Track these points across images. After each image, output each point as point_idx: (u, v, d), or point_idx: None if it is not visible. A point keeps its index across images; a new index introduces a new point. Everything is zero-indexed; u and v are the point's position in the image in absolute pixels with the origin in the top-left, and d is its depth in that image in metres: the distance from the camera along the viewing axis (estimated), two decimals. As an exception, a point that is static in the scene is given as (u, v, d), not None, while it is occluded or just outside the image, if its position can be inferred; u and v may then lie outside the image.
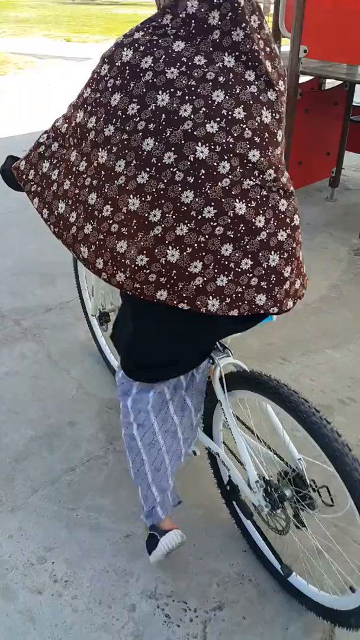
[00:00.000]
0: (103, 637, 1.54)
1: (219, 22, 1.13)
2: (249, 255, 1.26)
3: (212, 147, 1.16)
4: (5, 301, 3.09)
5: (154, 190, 1.18)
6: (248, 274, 1.27)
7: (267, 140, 1.21)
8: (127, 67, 1.15)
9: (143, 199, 1.20)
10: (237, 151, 1.18)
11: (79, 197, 1.30)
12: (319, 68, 3.97)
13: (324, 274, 3.48)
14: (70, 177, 1.32)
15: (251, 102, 1.17)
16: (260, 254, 1.26)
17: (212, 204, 1.19)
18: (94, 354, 2.67)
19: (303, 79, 3.83)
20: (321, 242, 3.90)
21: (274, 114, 1.21)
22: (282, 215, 1.27)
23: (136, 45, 1.14)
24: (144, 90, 1.14)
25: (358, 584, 1.46)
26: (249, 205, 1.22)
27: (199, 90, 1.13)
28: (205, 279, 1.25)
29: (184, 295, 1.26)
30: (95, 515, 1.89)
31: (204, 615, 1.59)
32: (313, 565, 1.66)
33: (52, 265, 3.47)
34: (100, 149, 1.22)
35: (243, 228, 1.23)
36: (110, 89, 1.17)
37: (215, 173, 1.18)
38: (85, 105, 1.24)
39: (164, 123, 1.13)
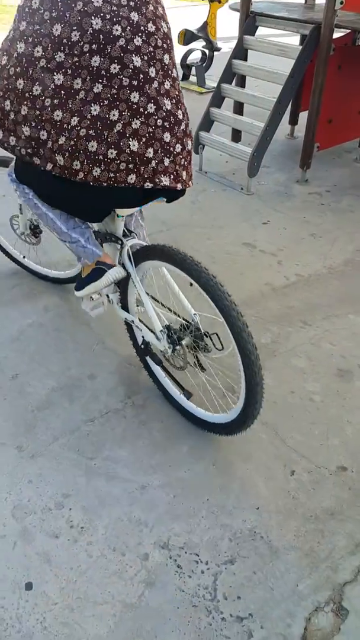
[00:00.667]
0: (116, 582, 1.55)
1: None
2: (181, 140, 1.61)
3: (142, 56, 1.46)
4: (32, 254, 3.03)
5: (109, 95, 1.44)
6: (180, 156, 1.62)
7: (170, 45, 1.56)
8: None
9: (102, 104, 1.45)
10: (157, 57, 1.50)
11: (42, 117, 1.48)
12: (356, 21, 3.68)
13: (349, 237, 3.33)
14: (25, 102, 1.48)
15: (154, 17, 1.49)
16: (184, 139, 1.63)
17: (152, 101, 1.51)
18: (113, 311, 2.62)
19: (337, 34, 3.56)
20: (348, 204, 3.73)
21: (167, 23, 1.58)
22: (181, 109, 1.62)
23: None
24: (79, 18, 1.37)
25: (229, 406, 2.01)
26: (172, 102, 1.57)
27: (121, 13, 1.42)
28: (156, 161, 1.56)
29: (146, 176, 1.56)
30: (113, 465, 1.88)
31: (215, 568, 1.59)
32: (203, 394, 2.09)
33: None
34: (55, 73, 1.42)
35: (173, 119, 1.57)
36: (48, 21, 1.38)
37: (148, 77, 1.48)
38: (26, 37, 1.42)
39: (103, 42, 1.40)
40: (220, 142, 3.99)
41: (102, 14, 1.38)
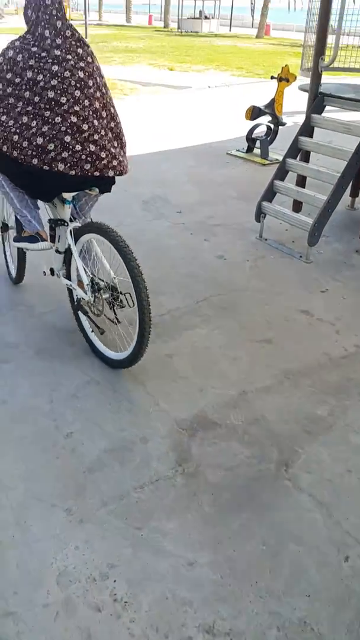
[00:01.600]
0: (157, 668, 1.45)
1: (51, 35, 2.32)
2: (82, 143, 2.36)
3: (56, 91, 2.29)
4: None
5: (31, 113, 2.32)
6: (80, 153, 2.37)
7: (85, 85, 2.34)
8: (11, 60, 2.31)
9: (28, 117, 2.32)
10: (69, 91, 2.30)
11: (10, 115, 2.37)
12: None
13: None
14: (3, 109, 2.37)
15: (72, 68, 2.31)
16: (85, 143, 2.37)
17: (59, 116, 2.31)
18: (169, 371, 2.62)
19: None
20: None
21: (84, 72, 2.35)
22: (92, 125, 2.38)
23: (15, 48, 2.32)
24: (20, 70, 2.29)
25: (125, 347, 2.54)
26: (78, 118, 2.33)
27: (45, 66, 2.28)
28: (55, 152, 2.34)
29: (45, 161, 2.36)
30: (160, 538, 1.81)
31: (262, 663, 1.46)
32: (113, 339, 2.67)
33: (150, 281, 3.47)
34: (11, 98, 2.33)
35: (75, 128, 2.33)
36: (4, 71, 2.32)
37: (58, 103, 2.30)
38: (19, 83, 2.32)
39: (31, 84, 2.29)
40: (282, 212, 4.04)
41: (33, 69, 2.28)
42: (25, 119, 2.32)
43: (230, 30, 33.76)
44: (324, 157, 4.14)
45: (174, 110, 8.97)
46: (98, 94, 2.40)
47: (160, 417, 2.35)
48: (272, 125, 6.32)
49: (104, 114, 2.43)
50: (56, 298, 3.27)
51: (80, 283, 2.69)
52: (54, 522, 1.87)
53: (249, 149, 6.41)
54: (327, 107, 4.18)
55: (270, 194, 4.17)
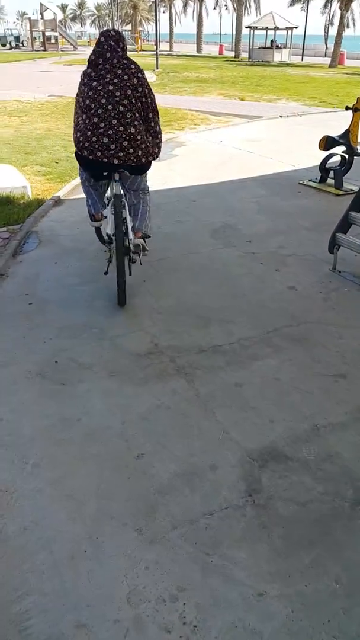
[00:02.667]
0: None
1: (107, 67, 3.32)
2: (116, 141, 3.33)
3: (109, 100, 3.27)
4: (164, 338, 3.27)
5: (91, 113, 3.31)
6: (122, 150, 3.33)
7: (132, 98, 3.32)
8: (84, 84, 3.35)
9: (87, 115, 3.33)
10: (118, 109, 3.29)
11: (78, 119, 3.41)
12: None
13: None
14: (78, 111, 3.42)
15: (122, 90, 3.28)
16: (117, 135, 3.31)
17: (109, 120, 3.28)
18: (239, 400, 2.70)
19: None
20: None
21: (134, 93, 3.31)
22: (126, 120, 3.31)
23: (85, 77, 3.37)
24: (88, 92, 3.30)
25: None
26: (119, 121, 3.29)
27: (100, 89, 3.27)
28: (105, 146, 3.32)
29: (99, 154, 3.34)
30: (230, 566, 1.86)
31: None
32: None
33: (208, 310, 3.60)
34: (80, 108, 3.39)
35: (117, 132, 3.29)
36: (81, 92, 3.37)
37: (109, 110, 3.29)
38: (79, 97, 3.40)
39: (93, 98, 3.28)
40: (358, 244, 4.07)
41: (93, 91, 3.30)
42: (82, 125, 3.35)
43: (302, 59, 34.29)
44: None
45: (245, 140, 9.21)
46: (128, 104, 3.32)
47: (230, 445, 2.42)
48: (346, 156, 6.37)
49: (136, 123, 3.34)
50: (127, 322, 3.45)
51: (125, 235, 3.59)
52: (125, 540, 1.97)
53: (322, 179, 6.48)
54: None
55: (345, 225, 4.20)
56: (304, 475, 2.23)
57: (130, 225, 3.63)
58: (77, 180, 6.56)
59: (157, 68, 23.28)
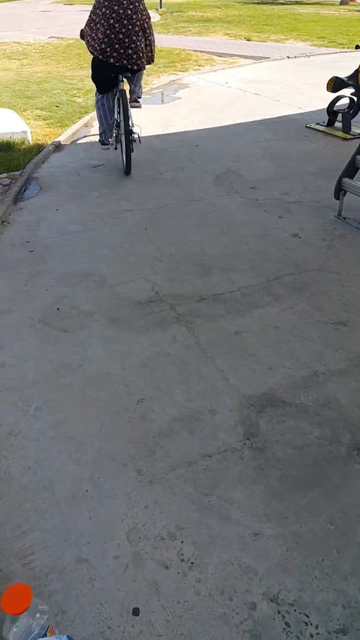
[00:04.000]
0: (221, 626, 1.53)
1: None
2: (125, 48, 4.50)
3: (129, 21, 4.40)
4: (165, 286, 3.20)
5: (117, 30, 4.42)
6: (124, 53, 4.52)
7: (130, 18, 4.42)
8: (105, 7, 4.41)
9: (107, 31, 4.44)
10: (135, 28, 4.45)
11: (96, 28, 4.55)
12: None
13: None
14: (91, 24, 4.57)
15: (136, 14, 4.43)
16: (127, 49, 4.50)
17: (124, 29, 4.42)
18: (238, 348, 2.66)
19: None
20: None
21: (141, 16, 4.47)
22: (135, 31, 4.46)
23: (105, 1, 4.42)
24: (111, 14, 4.37)
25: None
26: (136, 36, 4.47)
27: (121, 12, 4.37)
28: (119, 52, 4.48)
29: (116, 56, 4.50)
30: (227, 506, 1.87)
31: (325, 634, 1.50)
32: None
33: (209, 258, 3.51)
34: (94, 18, 4.53)
35: (136, 45, 4.48)
36: (103, 13, 4.41)
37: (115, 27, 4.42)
38: (94, 9, 4.51)
39: (117, 19, 4.37)
40: (364, 189, 3.90)
41: (107, 4, 4.37)
42: (101, 35, 4.40)
43: (312, -4, 32.12)
44: None
45: (251, 82, 8.75)
46: (137, 24, 4.40)
47: (229, 391, 2.40)
48: (355, 98, 6.03)
49: (140, 35, 4.46)
50: (127, 270, 3.37)
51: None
52: (125, 480, 1.98)
53: (330, 123, 6.17)
54: None
55: (351, 170, 4.02)
56: (301, 420, 2.21)
57: (130, 114, 4.66)
58: (78, 125, 6.30)
59: (161, 7, 21.93)
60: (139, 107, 5.06)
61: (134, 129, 4.68)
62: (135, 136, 4.67)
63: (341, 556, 1.69)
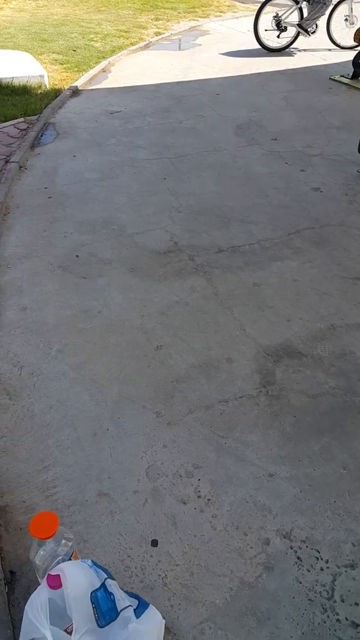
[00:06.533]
0: (236, 559, 1.59)
1: None
2: None
3: None
4: (184, 237, 3.15)
5: None
6: None
7: None
8: None
9: None
10: None
11: None
12: None
13: None
14: None
15: None
16: None
17: None
18: (256, 299, 2.64)
19: None
20: None
21: None
22: None
23: None
24: None
25: None
26: None
27: None
28: None
29: None
30: (242, 448, 1.91)
31: (335, 568, 1.55)
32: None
33: (229, 210, 3.44)
34: None
35: None
36: None
37: None
38: None
39: None
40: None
41: None
42: None
43: None
44: None
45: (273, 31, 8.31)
46: None
47: (246, 341, 2.40)
48: (383, 49, 5.74)
49: None
50: (146, 220, 3.31)
51: None
52: (144, 421, 2.02)
53: (356, 75, 5.89)
54: None
55: (377, 125, 3.87)
56: (316, 371, 2.22)
57: None
58: (95, 70, 6.07)
59: None
60: None
61: None
62: None
63: (352, 498, 1.73)
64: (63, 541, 1.51)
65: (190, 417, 2.03)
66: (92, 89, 5.61)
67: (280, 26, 6.65)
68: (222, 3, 10.43)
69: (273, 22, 6.67)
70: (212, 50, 7.13)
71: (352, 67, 5.90)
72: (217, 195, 3.60)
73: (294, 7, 6.59)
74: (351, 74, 5.93)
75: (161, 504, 1.75)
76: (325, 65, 6.52)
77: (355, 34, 5.90)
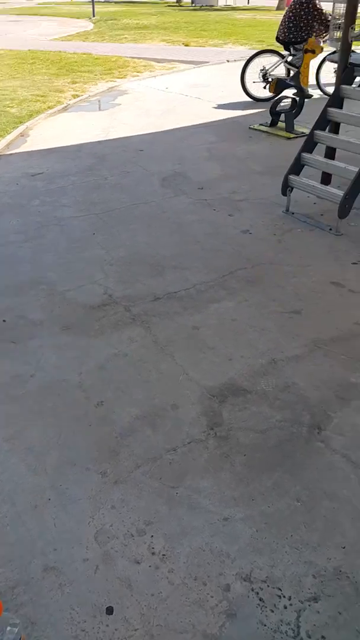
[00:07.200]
0: (197, 611, 1.59)
1: None
2: None
3: None
4: (118, 289, 3.27)
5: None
6: None
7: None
8: None
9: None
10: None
11: None
12: None
13: None
14: None
15: None
16: None
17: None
18: (197, 342, 2.75)
19: None
20: None
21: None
22: None
23: None
24: None
25: None
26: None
27: None
28: None
29: None
30: (195, 495, 1.95)
31: (298, 604, 1.58)
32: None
33: (162, 258, 3.61)
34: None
35: None
36: None
37: None
38: None
39: None
40: (310, 185, 4.14)
41: None
42: None
43: (248, 2, 33.51)
44: (355, 128, 4.22)
45: (192, 86, 9.05)
46: None
47: (190, 385, 2.48)
48: (297, 98, 6.37)
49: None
50: (77, 276, 3.42)
51: None
52: (89, 484, 2.02)
53: (273, 123, 6.47)
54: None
55: (297, 167, 4.25)
56: (262, 406, 2.32)
57: None
58: (12, 135, 6.33)
59: (94, 16, 22.32)
60: None
61: None
62: None
63: (309, 530, 1.79)
64: (8, 628, 1.47)
65: (138, 472, 2.06)
66: (11, 154, 5.84)
67: (266, 78, 7.22)
68: (139, 64, 11.27)
69: (260, 75, 7.25)
70: (132, 108, 7.64)
71: (270, 116, 6.48)
72: (149, 245, 3.79)
73: (280, 62, 7.22)
74: (269, 122, 6.51)
75: (114, 568, 1.74)
76: (244, 116, 7.12)
77: (270, 85, 6.53)
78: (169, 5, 31.55)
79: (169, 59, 11.93)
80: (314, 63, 6.97)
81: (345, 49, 4.17)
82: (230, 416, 2.28)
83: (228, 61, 11.54)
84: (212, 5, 29.94)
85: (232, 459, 2.08)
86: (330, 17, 5.62)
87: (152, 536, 1.83)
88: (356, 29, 4.16)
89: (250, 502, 1.90)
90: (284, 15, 6.69)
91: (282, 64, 7.18)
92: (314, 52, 6.31)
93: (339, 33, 4.41)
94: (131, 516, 1.90)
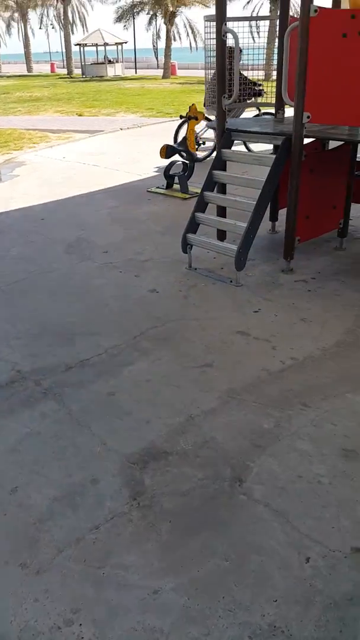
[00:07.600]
0: None
1: None
2: None
3: None
4: (26, 363, 3.19)
5: None
6: None
7: None
8: None
9: None
10: None
11: None
12: (322, 131, 4.18)
13: (338, 319, 3.52)
14: None
15: None
16: None
17: None
18: (113, 409, 2.72)
19: (307, 140, 4.03)
20: (333, 289, 3.98)
21: None
22: None
23: None
24: None
25: None
26: None
27: None
28: None
29: None
30: (122, 572, 1.87)
31: (238, 673, 1.54)
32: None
33: (71, 325, 3.59)
34: None
35: None
36: None
37: None
38: None
39: None
40: (207, 242, 4.36)
41: None
42: None
43: (136, 72, 35.64)
44: (241, 187, 4.53)
45: (89, 154, 9.32)
46: None
47: (109, 455, 2.43)
48: (187, 162, 6.78)
49: None
50: (-15, 352, 3.30)
51: None
52: (8, 579, 1.89)
53: (169, 185, 6.79)
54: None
55: (193, 226, 4.46)
56: (183, 466, 2.32)
57: None
58: None
59: (-14, 90, 22.63)
60: None
61: None
62: None
63: (240, 588, 1.78)
64: None
65: (60, 557, 1.96)
66: None
67: (197, 142, 7.87)
68: (34, 135, 11.48)
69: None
70: (31, 179, 7.71)
71: (165, 179, 6.81)
72: (57, 314, 3.75)
73: (208, 126, 7.98)
74: (165, 185, 6.83)
75: (42, 669, 1.61)
76: (142, 180, 7.42)
77: (160, 151, 6.88)
78: (60, 78, 32.75)
79: (65, 129, 12.27)
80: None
81: (220, 116, 4.52)
82: (152, 482, 2.24)
83: (121, 129, 12.06)
84: (102, 76, 31.49)
85: (157, 527, 2.04)
86: (210, 84, 6.12)
87: (80, 625, 1.73)
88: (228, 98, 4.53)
89: (180, 570, 1.86)
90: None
91: (211, 129, 7.91)
92: (196, 119, 6.78)
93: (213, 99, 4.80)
94: (57, 607, 1.79)
